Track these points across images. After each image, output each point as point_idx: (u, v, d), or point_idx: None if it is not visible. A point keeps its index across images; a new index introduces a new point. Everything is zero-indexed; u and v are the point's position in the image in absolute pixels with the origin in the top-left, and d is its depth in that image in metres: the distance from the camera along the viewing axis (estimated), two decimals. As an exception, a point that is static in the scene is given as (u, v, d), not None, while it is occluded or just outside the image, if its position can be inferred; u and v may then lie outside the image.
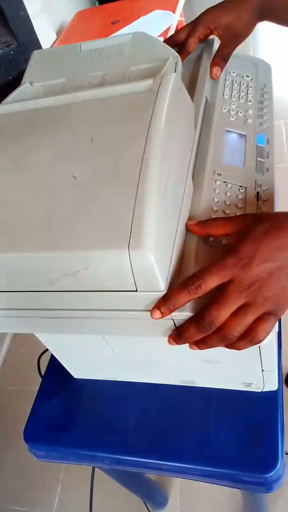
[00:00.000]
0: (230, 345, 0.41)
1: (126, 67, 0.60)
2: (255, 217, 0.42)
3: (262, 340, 0.40)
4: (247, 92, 0.65)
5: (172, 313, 0.40)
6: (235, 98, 0.63)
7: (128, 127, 0.46)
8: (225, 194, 0.51)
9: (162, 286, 0.38)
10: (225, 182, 0.52)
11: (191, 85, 0.62)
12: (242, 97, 0.64)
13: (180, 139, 0.48)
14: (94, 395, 0.77)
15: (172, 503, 1.23)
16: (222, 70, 0.64)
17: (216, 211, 0.49)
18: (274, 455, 0.64)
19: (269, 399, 0.69)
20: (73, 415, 0.76)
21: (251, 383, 0.70)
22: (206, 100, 0.63)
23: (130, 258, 0.37)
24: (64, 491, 1.33)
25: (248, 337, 0.39)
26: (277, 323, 0.41)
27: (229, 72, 0.67)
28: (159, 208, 0.39)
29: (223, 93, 0.64)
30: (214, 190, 0.51)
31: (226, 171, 0.53)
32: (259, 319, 0.39)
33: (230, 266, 0.38)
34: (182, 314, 0.40)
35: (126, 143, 0.44)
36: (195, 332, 0.39)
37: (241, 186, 0.52)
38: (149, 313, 0.40)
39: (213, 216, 0.48)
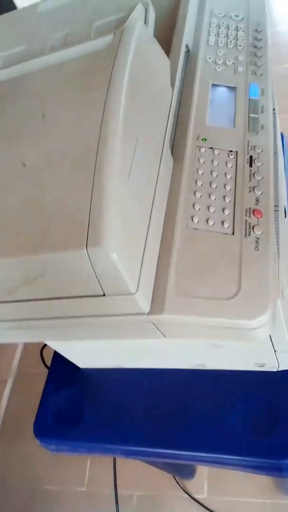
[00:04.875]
0: None
1: (89, 23, 0.52)
2: None
3: None
4: (237, 35, 0.55)
5: (151, 317, 0.34)
6: (222, 44, 0.54)
7: (84, 96, 0.38)
8: (212, 163, 0.43)
9: (131, 288, 0.32)
10: (211, 148, 0.44)
11: (169, 33, 0.53)
12: (230, 42, 0.54)
13: (151, 103, 0.40)
14: (102, 384, 0.73)
15: (200, 473, 1.22)
16: None
17: (202, 185, 0.41)
18: (292, 439, 0.59)
19: (286, 378, 0.64)
20: (82, 406, 0.73)
21: (265, 363, 0.64)
22: (188, 50, 0.54)
23: (90, 259, 0.30)
24: (93, 467, 1.34)
25: None
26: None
27: (214, 14, 0.58)
28: (122, 195, 0.32)
29: (208, 40, 0.54)
30: (199, 159, 0.43)
31: (212, 135, 0.45)
32: None
33: None
34: (161, 317, 0.34)
35: (81, 117, 0.37)
36: None
37: (231, 151, 0.44)
38: (126, 317, 0.34)
39: (198, 192, 0.41)
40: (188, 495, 1.21)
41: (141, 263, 0.33)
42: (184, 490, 1.21)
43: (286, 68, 1.70)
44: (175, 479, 1.19)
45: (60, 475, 1.39)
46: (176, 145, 0.44)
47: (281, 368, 0.63)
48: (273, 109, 0.64)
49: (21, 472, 1.41)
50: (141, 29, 0.41)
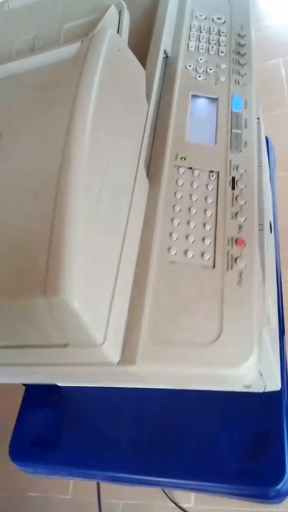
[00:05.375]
0: None
1: (60, 25, 0.47)
2: None
3: None
4: (219, 40, 0.51)
5: (122, 367, 0.30)
6: (204, 50, 0.50)
7: (47, 113, 0.34)
8: (191, 185, 0.39)
9: (97, 339, 0.28)
10: (191, 168, 0.40)
11: (146, 38, 0.49)
12: (212, 48, 0.50)
13: (123, 120, 0.36)
14: (82, 404, 0.69)
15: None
16: None
17: (180, 210, 0.38)
18: (280, 466, 0.56)
19: (273, 401, 0.61)
20: (60, 427, 0.69)
21: (251, 385, 0.61)
22: (166, 56, 0.50)
23: (48, 308, 0.27)
24: (77, 476, 1.31)
25: None
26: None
27: (195, 16, 0.53)
28: (86, 232, 0.28)
29: (188, 45, 0.50)
30: (177, 181, 0.39)
31: (192, 153, 0.41)
32: None
33: None
34: (133, 368, 0.31)
35: (43, 138, 0.33)
36: None
37: (212, 172, 0.40)
38: (94, 367, 0.31)
39: (176, 220, 0.37)
40: (175, 504, 1.19)
41: (110, 309, 0.29)
42: (170, 499, 1.20)
43: (271, 64, 1.66)
44: (162, 489, 1.17)
45: (45, 482, 1.36)
46: (153, 165, 0.40)
47: (267, 390, 0.60)
48: (257, 118, 0.60)
49: (4, 478, 1.38)
50: (112, 37, 0.37)
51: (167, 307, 0.32)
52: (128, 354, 0.30)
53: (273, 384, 0.59)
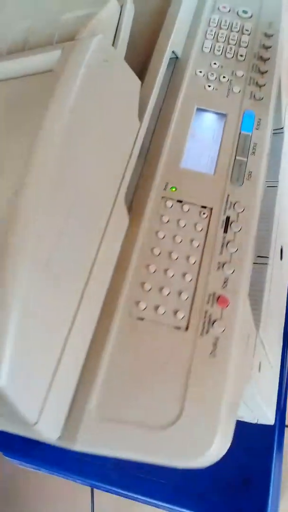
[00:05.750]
0: None
1: (57, 15, 0.42)
2: None
3: None
4: (240, 40, 0.44)
5: (62, 442, 0.27)
6: (220, 52, 0.43)
7: (12, 136, 0.30)
8: (178, 223, 0.34)
9: (30, 420, 0.25)
10: (181, 202, 0.35)
11: (153, 35, 0.42)
12: (230, 50, 0.43)
13: (100, 146, 0.31)
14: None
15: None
16: None
17: (160, 254, 0.33)
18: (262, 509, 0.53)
19: (265, 436, 0.58)
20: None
21: (242, 416, 0.58)
22: (177, 58, 0.43)
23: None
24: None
25: None
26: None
27: (217, 8, 0.46)
28: (27, 302, 0.24)
29: (203, 45, 0.44)
30: (162, 217, 0.34)
31: (184, 183, 0.36)
32: None
33: None
34: (74, 447, 0.27)
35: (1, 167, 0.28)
36: None
37: (204, 208, 0.35)
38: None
39: (152, 266, 0.32)
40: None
41: (49, 388, 0.25)
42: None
43: None
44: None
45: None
46: (138, 196, 0.35)
47: (260, 422, 0.56)
48: (281, 128, 0.53)
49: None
50: (97, 47, 0.32)
51: (123, 376, 0.28)
52: (69, 431, 0.27)
53: (265, 419, 0.55)
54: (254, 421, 0.57)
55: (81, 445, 0.26)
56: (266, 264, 0.44)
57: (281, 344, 0.58)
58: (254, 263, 0.45)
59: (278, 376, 0.56)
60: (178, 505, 0.57)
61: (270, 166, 0.50)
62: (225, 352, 0.29)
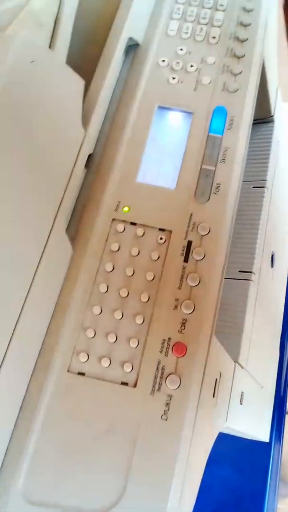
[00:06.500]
0: None
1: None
2: None
3: None
4: (213, 18, 0.37)
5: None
6: (188, 34, 0.37)
7: None
8: (130, 251, 0.29)
9: None
10: (134, 224, 0.30)
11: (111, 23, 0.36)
12: (201, 30, 0.37)
13: (27, 166, 0.26)
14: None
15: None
16: None
17: (106, 291, 0.28)
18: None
19: (260, 454, 0.54)
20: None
21: (235, 433, 0.53)
22: (137, 45, 0.37)
23: None
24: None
25: None
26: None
27: (187, -21, 0.39)
28: None
29: (168, 27, 0.37)
30: (111, 246, 0.29)
31: (139, 201, 0.30)
32: None
33: None
34: None
35: None
36: None
37: (163, 231, 0.29)
38: None
39: (96, 308, 0.27)
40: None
41: None
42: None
43: None
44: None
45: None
46: (85, 218, 0.30)
47: (256, 439, 0.52)
48: (270, 116, 0.47)
49: None
50: (22, 44, 0.26)
51: (57, 447, 0.24)
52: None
53: (260, 435, 0.51)
54: (248, 437, 0.53)
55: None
56: (250, 280, 0.39)
57: (276, 354, 0.53)
58: (235, 278, 0.40)
59: (273, 390, 0.52)
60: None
61: (257, 163, 0.44)
62: (179, 414, 0.25)
